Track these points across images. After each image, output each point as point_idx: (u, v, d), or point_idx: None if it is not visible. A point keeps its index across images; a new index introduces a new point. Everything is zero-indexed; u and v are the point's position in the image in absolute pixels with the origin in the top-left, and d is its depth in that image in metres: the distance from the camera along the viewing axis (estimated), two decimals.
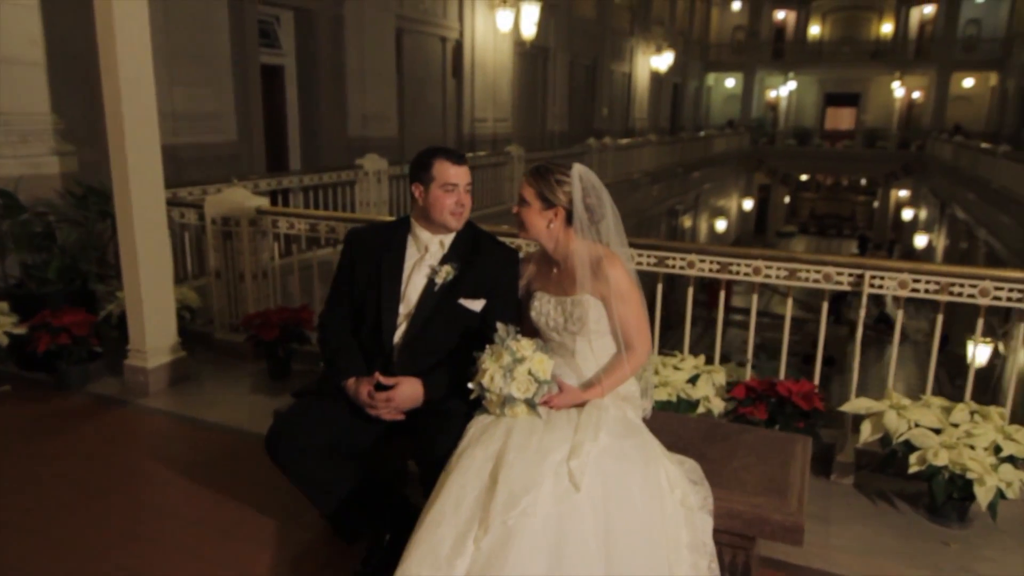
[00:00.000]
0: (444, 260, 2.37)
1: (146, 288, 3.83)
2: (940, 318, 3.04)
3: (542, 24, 13.52)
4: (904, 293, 2.99)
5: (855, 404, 2.87)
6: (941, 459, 2.52)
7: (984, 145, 18.09)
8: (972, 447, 2.56)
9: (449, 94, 12.96)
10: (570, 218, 2.26)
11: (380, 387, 2.24)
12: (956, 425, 2.67)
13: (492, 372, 2.10)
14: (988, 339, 11.93)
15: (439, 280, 2.34)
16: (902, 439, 2.66)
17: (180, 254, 5.20)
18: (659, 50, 22.55)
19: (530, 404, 2.11)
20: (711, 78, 31.24)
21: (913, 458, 2.61)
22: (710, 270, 3.29)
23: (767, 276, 3.20)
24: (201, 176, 6.90)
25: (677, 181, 19.45)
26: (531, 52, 15.17)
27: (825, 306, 3.27)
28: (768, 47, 30.09)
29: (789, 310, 3.30)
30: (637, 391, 2.35)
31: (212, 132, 7.93)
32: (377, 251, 2.39)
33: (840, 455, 3.05)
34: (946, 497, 2.58)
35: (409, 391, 2.23)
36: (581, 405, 2.18)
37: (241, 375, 4.18)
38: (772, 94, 31.29)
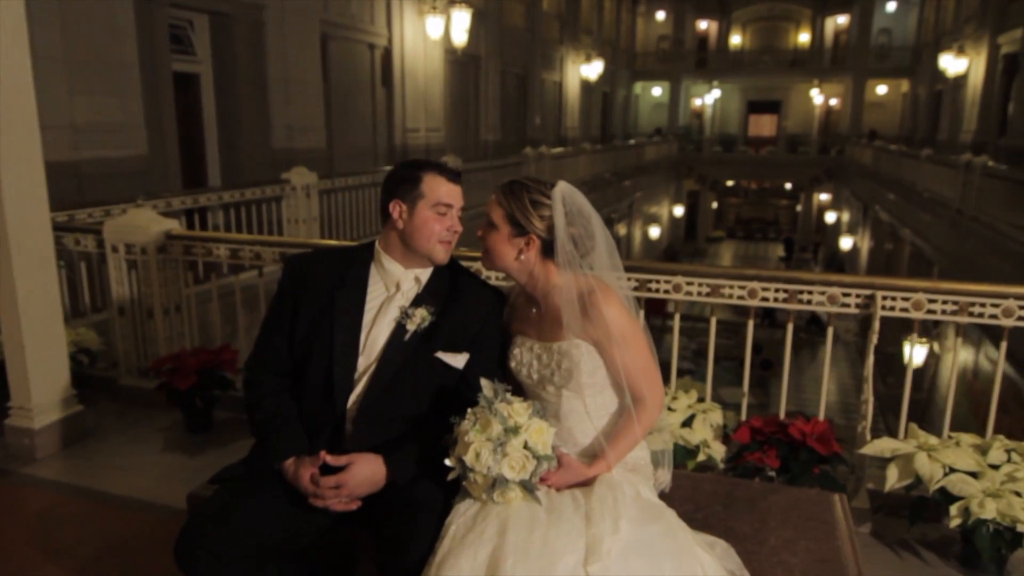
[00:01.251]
0: (418, 301, 1.86)
1: (29, 331, 3.18)
2: (958, 341, 2.73)
3: (473, 32, 13.11)
4: (919, 315, 2.67)
5: (877, 446, 2.51)
6: (988, 512, 2.18)
7: (897, 147, 18.70)
8: (1018, 493, 2.23)
9: (379, 103, 12.40)
10: (547, 248, 1.80)
11: (327, 469, 1.73)
12: (995, 467, 2.35)
13: (478, 446, 1.63)
14: (923, 339, 12.14)
15: (411, 327, 1.82)
16: (938, 486, 2.32)
17: (77, 287, 4.51)
18: (588, 59, 22.52)
19: (526, 487, 1.65)
20: (638, 87, 31.56)
21: (954, 509, 2.27)
22: (699, 293, 2.90)
23: (764, 299, 2.83)
24: (107, 195, 6.20)
25: (611, 189, 19.34)
26: (462, 60, 14.76)
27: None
28: (692, 56, 30.58)
29: (789, 338, 2.94)
30: (647, 457, 1.91)
31: (119, 146, 7.19)
32: (329, 286, 1.86)
33: (854, 499, 2.70)
34: (993, 551, 2.25)
35: (366, 472, 1.72)
36: (586, 483, 1.73)
37: (152, 430, 3.55)
38: (697, 102, 31.83)
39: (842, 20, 29.52)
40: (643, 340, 1.85)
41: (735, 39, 31.37)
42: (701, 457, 2.64)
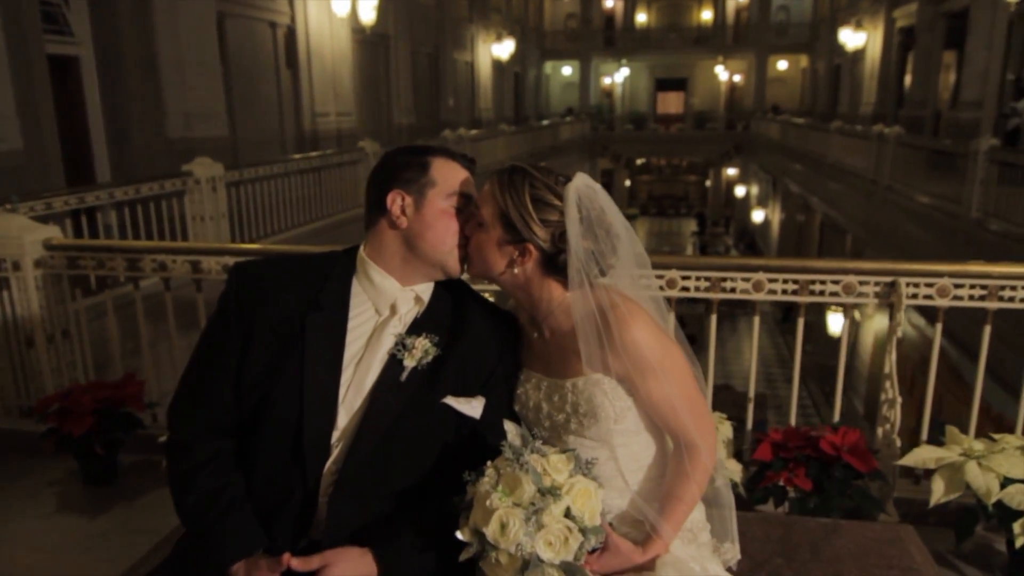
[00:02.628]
0: (416, 328, 1.37)
1: None
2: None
3: (381, 9, 12.40)
4: (945, 302, 2.39)
5: (918, 455, 2.22)
6: None
7: (805, 121, 19.19)
8: None
9: (284, 86, 11.57)
10: (550, 262, 1.35)
11: (293, 573, 1.25)
12: None
13: (503, 514, 1.18)
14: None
15: (410, 362, 1.33)
16: (994, 500, 2.04)
17: None
18: (499, 38, 22.07)
19: (569, 571, 1.22)
20: (549, 66, 31.34)
21: (1017, 527, 2.00)
22: (696, 288, 2.54)
23: (771, 291, 2.49)
24: None
25: None
26: (371, 40, 14.01)
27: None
28: (600, 35, 30.56)
29: (800, 337, 2.62)
30: (703, 518, 1.50)
31: None
32: (295, 307, 1.34)
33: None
34: None
35: (347, 574, 1.26)
36: (644, 567, 1.31)
37: (42, 483, 2.91)
38: (607, 81, 31.92)
39: None
40: (685, 365, 1.40)
41: (641, 17, 31.55)
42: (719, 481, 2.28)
